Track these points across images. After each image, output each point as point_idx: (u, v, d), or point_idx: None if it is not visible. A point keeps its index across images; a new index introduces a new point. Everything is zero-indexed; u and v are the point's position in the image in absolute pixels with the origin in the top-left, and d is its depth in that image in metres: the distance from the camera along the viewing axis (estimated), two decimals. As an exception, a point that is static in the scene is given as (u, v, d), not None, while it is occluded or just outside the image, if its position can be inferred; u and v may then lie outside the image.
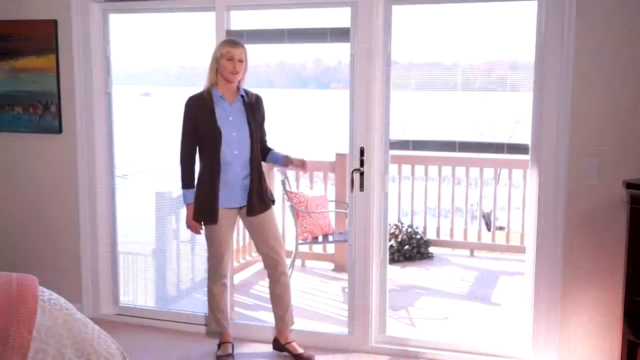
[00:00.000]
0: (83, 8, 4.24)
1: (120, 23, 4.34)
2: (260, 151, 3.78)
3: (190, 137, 3.71)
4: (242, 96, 3.72)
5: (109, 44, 4.32)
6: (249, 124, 3.69)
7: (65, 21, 4.29)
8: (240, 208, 3.78)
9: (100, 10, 4.29)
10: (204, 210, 3.72)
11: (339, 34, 3.86)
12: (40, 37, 4.33)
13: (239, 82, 3.70)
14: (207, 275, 3.94)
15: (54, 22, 4.30)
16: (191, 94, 3.73)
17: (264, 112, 3.81)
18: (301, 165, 3.82)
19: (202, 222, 3.77)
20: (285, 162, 3.83)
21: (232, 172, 3.68)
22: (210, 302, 3.91)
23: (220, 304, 3.89)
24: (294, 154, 3.84)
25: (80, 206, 4.42)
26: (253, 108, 3.73)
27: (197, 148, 3.73)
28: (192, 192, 3.74)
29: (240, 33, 4.01)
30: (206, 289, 3.95)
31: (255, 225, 3.80)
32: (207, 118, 3.64)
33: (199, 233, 3.82)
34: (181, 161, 3.75)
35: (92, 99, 4.31)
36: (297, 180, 5.87)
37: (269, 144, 3.85)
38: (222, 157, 3.65)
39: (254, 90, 3.82)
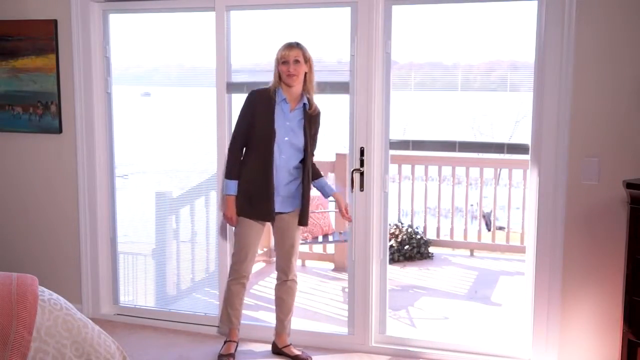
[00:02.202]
0: (83, 8, 4.24)
1: (120, 23, 4.34)
2: (312, 171, 3.78)
3: (244, 130, 3.67)
4: (304, 104, 3.68)
5: (109, 44, 4.32)
6: (305, 134, 3.67)
7: (65, 21, 4.29)
8: (276, 213, 3.74)
9: (100, 10, 4.29)
10: (254, 207, 3.68)
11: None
12: (40, 37, 4.33)
13: (306, 87, 3.65)
14: (228, 271, 3.93)
15: (54, 22, 4.30)
16: (257, 88, 3.71)
17: (318, 125, 3.78)
18: (345, 212, 3.81)
19: (253, 218, 3.71)
20: (333, 195, 3.81)
21: (276, 177, 3.66)
22: (226, 298, 3.89)
23: (235, 302, 3.87)
24: (341, 195, 3.84)
25: (80, 206, 4.42)
26: (311, 119, 3.70)
27: (247, 143, 3.69)
28: (235, 184, 3.70)
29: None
30: (206, 288, 3.95)
31: (282, 228, 3.79)
32: (265, 116, 3.62)
33: (234, 225, 3.79)
34: (230, 151, 3.73)
35: (92, 99, 4.31)
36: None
37: (317, 165, 3.84)
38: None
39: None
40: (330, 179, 6.05)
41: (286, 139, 3.65)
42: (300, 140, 3.67)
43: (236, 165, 3.71)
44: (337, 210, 3.89)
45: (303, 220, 3.76)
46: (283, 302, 3.89)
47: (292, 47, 3.61)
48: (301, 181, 3.72)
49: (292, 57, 3.58)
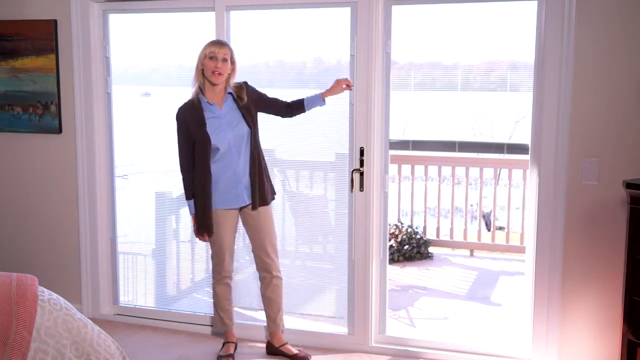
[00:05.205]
0: (83, 8, 4.24)
1: (120, 23, 4.34)
2: (290, 111, 3.76)
3: (186, 147, 3.68)
4: (230, 93, 3.67)
5: (109, 44, 4.32)
6: (246, 120, 3.65)
7: (65, 21, 4.29)
8: (242, 208, 3.77)
9: (100, 10, 4.29)
10: (201, 221, 3.72)
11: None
12: (40, 37, 4.33)
13: (226, 83, 3.65)
14: (211, 274, 3.94)
15: (54, 22, 4.30)
16: (180, 104, 3.68)
17: (255, 92, 3.74)
18: (343, 85, 3.73)
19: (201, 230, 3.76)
20: (323, 97, 3.74)
21: (232, 172, 3.66)
22: (215, 302, 3.91)
23: (224, 303, 3.88)
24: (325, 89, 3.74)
25: (80, 206, 4.43)
26: (244, 100, 3.67)
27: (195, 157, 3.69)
28: (194, 203, 3.74)
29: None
30: (206, 288, 3.94)
31: (252, 224, 3.78)
32: (197, 127, 3.61)
33: (209, 241, 3.80)
34: (182, 172, 3.73)
35: (91, 99, 4.31)
36: (297, 180, 5.86)
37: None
38: (221, 159, 3.63)
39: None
40: (330, 179, 6.04)
41: (230, 134, 3.62)
42: (243, 129, 3.65)
43: (190, 184, 3.72)
44: (342, 91, 3.76)
45: (255, 202, 3.70)
46: (271, 301, 3.87)
47: (222, 44, 3.60)
48: (250, 160, 3.67)
49: (221, 54, 3.56)
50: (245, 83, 3.73)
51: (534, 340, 3.72)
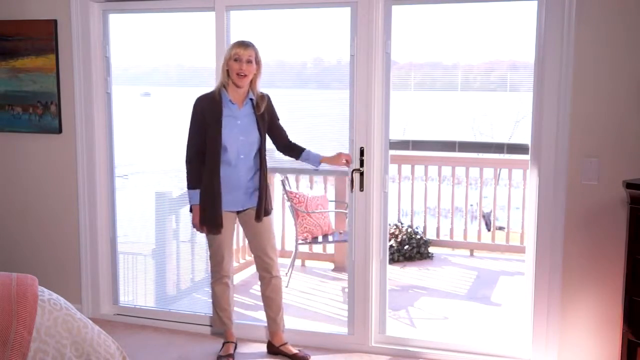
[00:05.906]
0: (83, 8, 4.24)
1: (120, 23, 4.34)
2: (287, 149, 3.82)
3: (197, 137, 3.67)
4: (251, 99, 3.69)
5: (109, 44, 4.32)
6: (259, 128, 3.67)
7: (65, 21, 4.29)
8: (240, 211, 3.77)
9: (100, 10, 4.29)
10: (207, 218, 3.70)
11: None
12: (40, 37, 4.33)
13: (251, 86, 3.66)
14: (210, 274, 3.95)
15: (54, 22, 4.30)
16: (201, 94, 3.69)
17: (273, 109, 3.77)
18: (343, 160, 3.80)
19: (206, 226, 3.75)
20: (321, 161, 3.81)
21: (236, 176, 3.66)
22: (213, 301, 3.92)
23: (222, 302, 3.89)
24: (328, 153, 3.82)
25: (80, 206, 4.42)
26: (262, 110, 3.69)
27: (204, 150, 3.68)
28: (197, 193, 3.71)
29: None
30: (206, 288, 3.95)
31: (253, 229, 3.80)
32: (213, 121, 3.61)
33: (203, 232, 3.81)
34: (187, 161, 3.72)
35: (91, 99, 4.31)
36: (297, 180, 5.87)
37: (298, 142, 3.82)
38: (227, 161, 3.64)
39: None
40: (330, 179, 6.05)
41: (241, 138, 3.64)
42: (255, 136, 3.67)
43: (195, 174, 3.70)
44: (340, 165, 3.84)
45: (258, 215, 3.72)
46: (272, 301, 3.88)
47: (247, 46, 3.60)
48: (259, 170, 3.70)
49: (245, 56, 3.57)
50: (268, 96, 3.75)
51: (534, 340, 3.72)
